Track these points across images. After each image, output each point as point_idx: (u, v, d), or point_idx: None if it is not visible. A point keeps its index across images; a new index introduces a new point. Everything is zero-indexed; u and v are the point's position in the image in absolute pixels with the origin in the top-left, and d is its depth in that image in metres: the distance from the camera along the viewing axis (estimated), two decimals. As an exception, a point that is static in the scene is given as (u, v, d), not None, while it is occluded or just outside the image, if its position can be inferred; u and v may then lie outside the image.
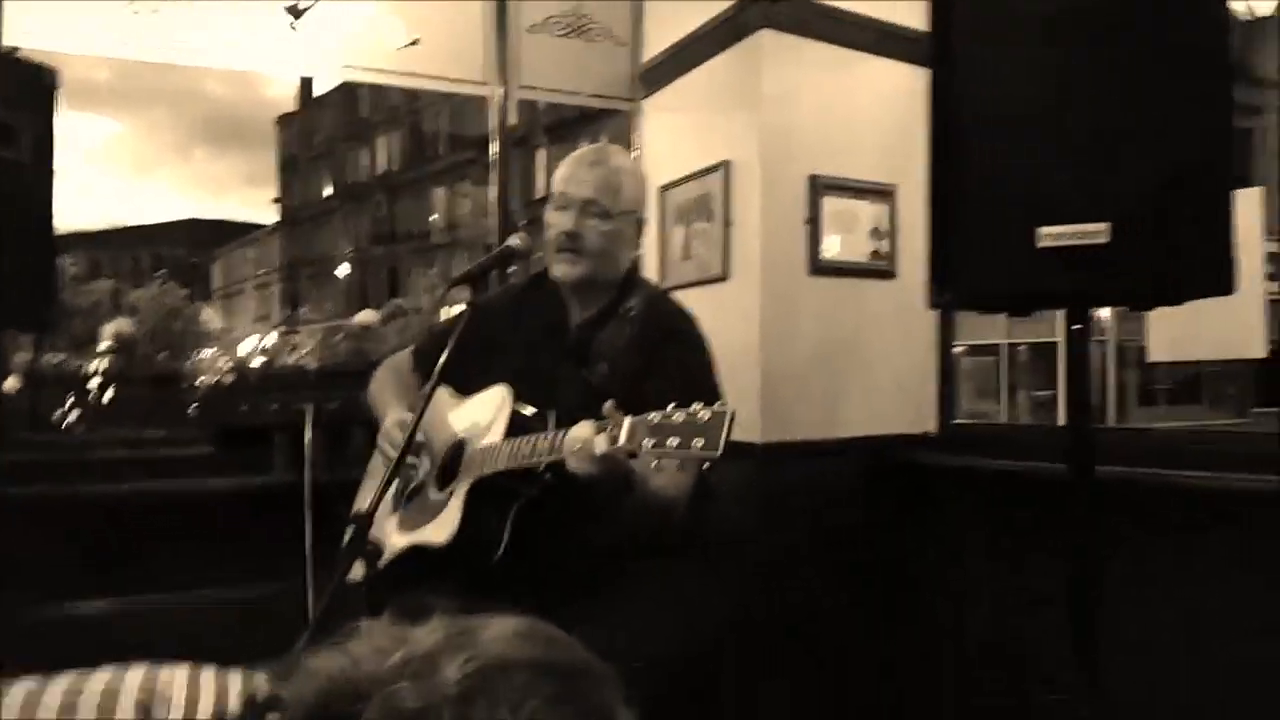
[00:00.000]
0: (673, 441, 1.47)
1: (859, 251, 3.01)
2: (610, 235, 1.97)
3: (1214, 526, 2.13)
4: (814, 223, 2.88)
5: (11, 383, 3.11)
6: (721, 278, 2.99)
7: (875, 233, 3.03)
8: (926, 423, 3.18)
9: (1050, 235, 1.31)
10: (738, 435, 2.74)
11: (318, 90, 43.36)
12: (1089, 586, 1.54)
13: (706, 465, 1.48)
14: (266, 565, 2.79)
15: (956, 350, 3.85)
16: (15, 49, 2.75)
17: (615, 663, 1.67)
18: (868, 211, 3.01)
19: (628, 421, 1.55)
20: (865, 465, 2.96)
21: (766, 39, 2.79)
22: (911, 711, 2.92)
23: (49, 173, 2.20)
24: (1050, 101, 1.36)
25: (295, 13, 2.77)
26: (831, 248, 2.93)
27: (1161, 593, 2.22)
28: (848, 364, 2.99)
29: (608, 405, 1.59)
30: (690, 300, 3.09)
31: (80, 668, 2.47)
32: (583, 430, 1.63)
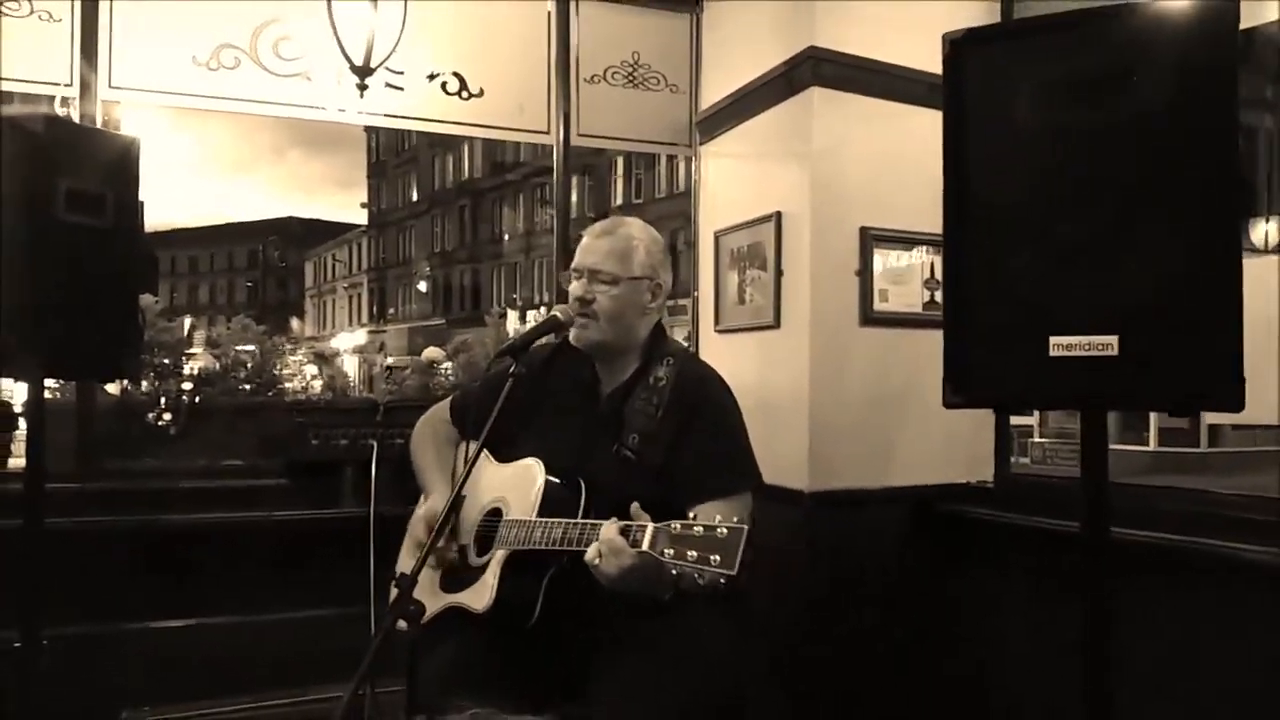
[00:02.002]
0: (691, 554, 1.54)
1: (912, 302, 3.01)
2: (620, 300, 2.03)
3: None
4: (864, 274, 2.89)
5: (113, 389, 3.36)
6: (774, 325, 3.02)
7: (929, 282, 3.03)
8: (983, 471, 3.15)
9: (1060, 346, 1.33)
10: (786, 482, 2.80)
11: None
12: (1098, 649, 1.55)
13: (722, 581, 1.52)
14: (334, 591, 2.94)
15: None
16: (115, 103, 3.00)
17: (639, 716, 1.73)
18: (922, 261, 3.01)
19: (651, 528, 1.62)
20: (912, 515, 2.96)
21: (816, 95, 2.82)
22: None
23: (133, 236, 2.37)
24: (1058, 208, 1.38)
25: (362, 74, 2.90)
26: (883, 299, 2.94)
27: (1177, 655, 2.23)
28: (899, 414, 2.99)
29: (635, 507, 1.67)
30: (743, 345, 3.19)
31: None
32: (608, 532, 1.69)
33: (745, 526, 1.53)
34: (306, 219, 62.67)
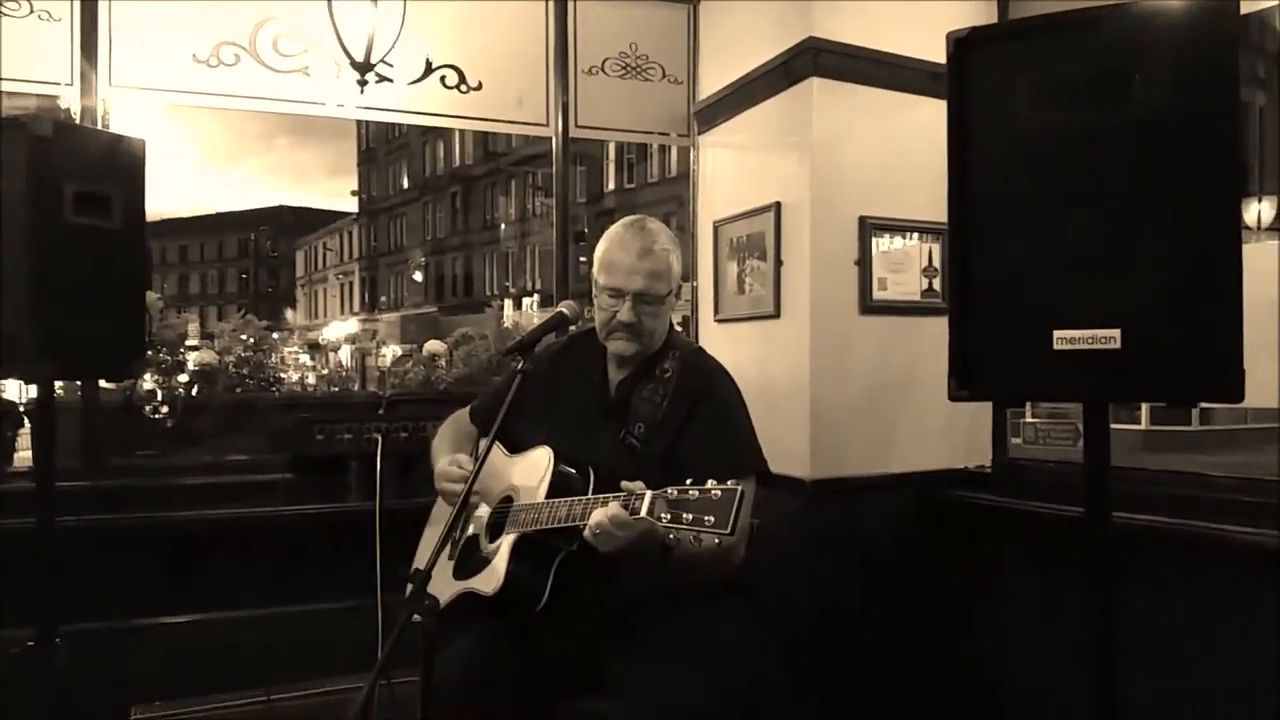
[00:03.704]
0: (687, 517, 1.60)
1: (911, 290, 3.03)
2: (662, 316, 2.10)
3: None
4: (864, 263, 2.92)
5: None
6: (774, 315, 3.05)
7: (928, 270, 3.05)
8: (982, 456, 3.18)
9: (1064, 339, 1.37)
10: (789, 470, 2.83)
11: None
12: (1104, 637, 1.59)
13: (717, 542, 1.57)
14: (341, 585, 2.98)
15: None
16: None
17: (656, 710, 1.78)
18: (921, 249, 3.04)
19: (648, 496, 1.68)
20: (914, 501, 3.00)
21: (815, 85, 2.84)
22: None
23: (139, 237, 2.38)
24: (1061, 204, 1.41)
25: (363, 70, 2.90)
26: (882, 287, 2.97)
27: (1175, 636, 2.29)
28: (899, 400, 3.02)
29: (635, 484, 1.72)
30: (744, 335, 3.21)
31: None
32: (611, 508, 1.74)
33: (739, 488, 1.58)
34: (297, 207, 62.43)
